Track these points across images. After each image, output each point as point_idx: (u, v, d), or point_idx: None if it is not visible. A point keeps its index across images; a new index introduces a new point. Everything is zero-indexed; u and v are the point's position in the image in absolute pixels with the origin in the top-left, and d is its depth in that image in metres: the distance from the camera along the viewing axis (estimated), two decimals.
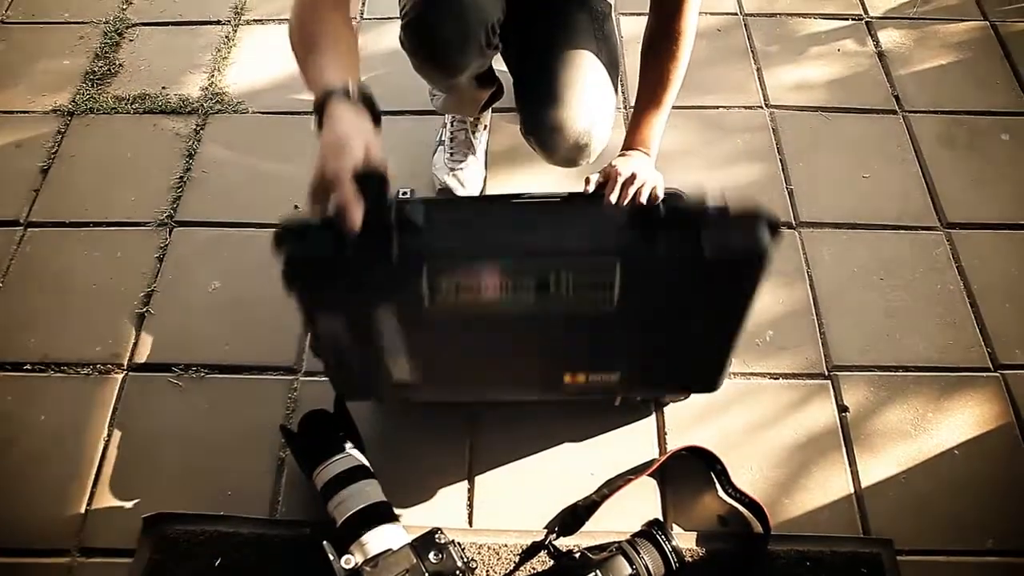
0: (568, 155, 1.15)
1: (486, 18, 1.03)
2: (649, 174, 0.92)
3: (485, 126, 1.48)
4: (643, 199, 0.89)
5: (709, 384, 1.10)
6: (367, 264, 0.84)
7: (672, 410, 1.20)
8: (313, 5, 0.91)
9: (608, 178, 0.93)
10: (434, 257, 0.86)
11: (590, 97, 1.11)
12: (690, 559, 1.05)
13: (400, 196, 0.89)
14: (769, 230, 0.84)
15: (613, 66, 1.18)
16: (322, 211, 0.81)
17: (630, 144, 1.05)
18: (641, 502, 1.11)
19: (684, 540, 1.07)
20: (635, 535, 1.03)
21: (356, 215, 0.78)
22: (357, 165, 0.78)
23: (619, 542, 1.01)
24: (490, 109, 1.46)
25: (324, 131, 0.81)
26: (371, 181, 0.79)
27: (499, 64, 1.28)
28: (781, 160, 1.50)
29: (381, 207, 0.82)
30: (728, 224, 0.84)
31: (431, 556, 0.93)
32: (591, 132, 1.11)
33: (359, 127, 0.82)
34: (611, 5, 1.23)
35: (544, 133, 1.11)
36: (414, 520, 1.10)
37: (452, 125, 1.44)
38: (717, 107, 1.57)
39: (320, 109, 0.82)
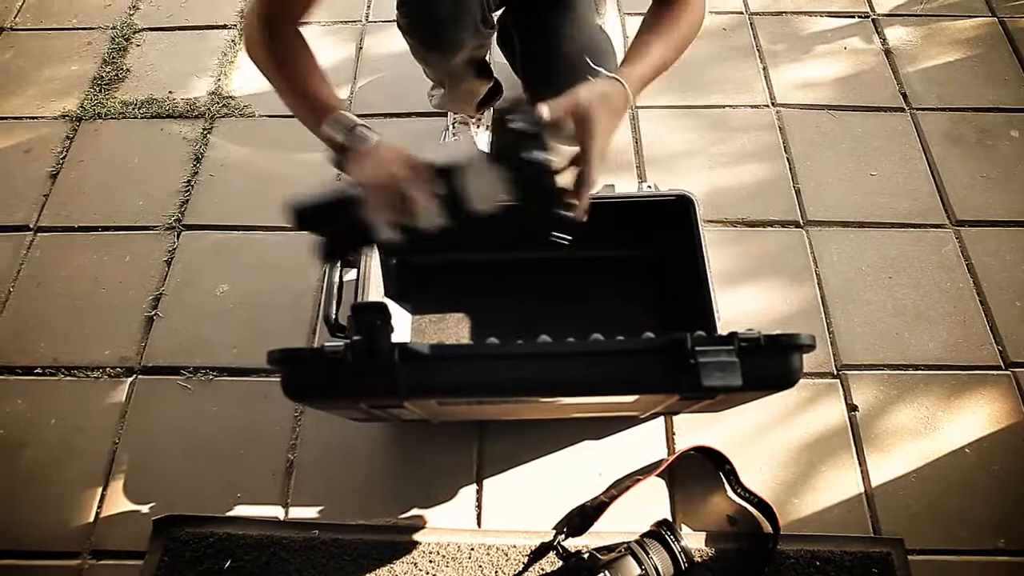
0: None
1: None
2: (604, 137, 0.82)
3: (486, 125, 1.48)
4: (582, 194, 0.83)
5: None
6: (368, 391, 0.81)
7: None
8: (269, 24, 0.88)
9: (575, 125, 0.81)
10: (440, 390, 0.82)
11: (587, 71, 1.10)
12: (699, 559, 1.05)
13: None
14: (803, 352, 0.80)
15: (609, 41, 1.18)
16: (390, 214, 0.80)
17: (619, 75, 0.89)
18: (650, 502, 1.11)
19: (693, 540, 1.06)
20: (644, 535, 1.03)
21: (432, 211, 0.80)
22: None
23: (628, 542, 1.01)
24: (490, 108, 1.47)
25: (378, 148, 0.83)
26: (371, 311, 0.78)
27: (499, 66, 1.28)
28: (788, 159, 1.49)
29: (382, 336, 0.78)
30: (762, 354, 0.78)
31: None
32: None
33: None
34: None
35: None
36: (423, 522, 1.11)
37: (454, 126, 1.44)
38: (723, 106, 1.57)
39: (347, 130, 0.84)
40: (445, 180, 0.80)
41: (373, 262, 1.14)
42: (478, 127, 1.46)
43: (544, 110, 0.79)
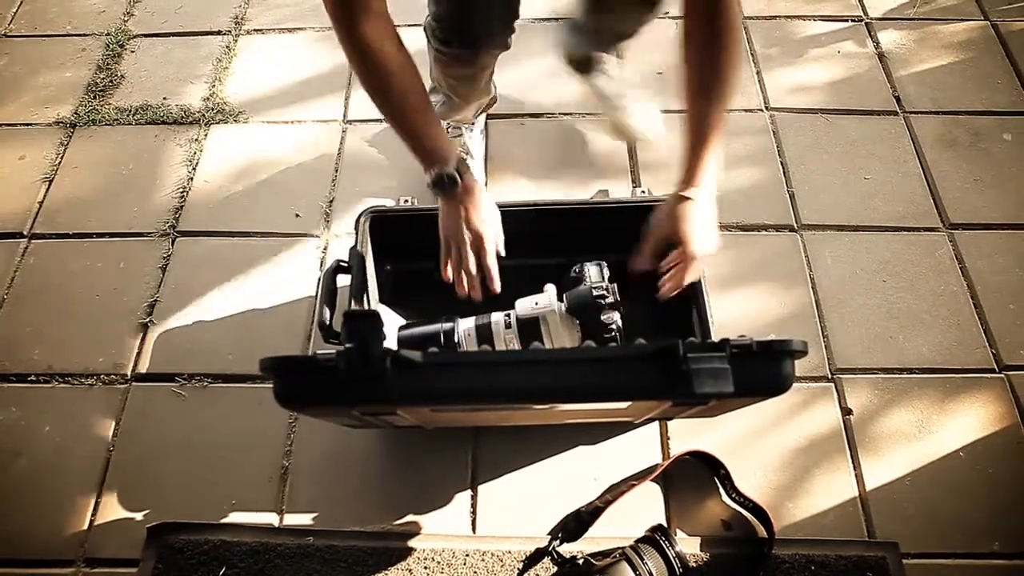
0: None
1: None
2: (712, 241, 0.97)
3: (481, 130, 1.49)
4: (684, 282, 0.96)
5: None
6: (360, 399, 0.82)
7: None
8: (352, 24, 0.88)
9: (672, 264, 0.98)
10: (432, 398, 0.82)
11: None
12: (694, 564, 1.05)
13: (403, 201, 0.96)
14: (795, 358, 0.80)
15: None
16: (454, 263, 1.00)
17: (689, 177, 0.95)
18: (645, 507, 1.11)
19: (688, 545, 1.07)
20: (639, 540, 1.03)
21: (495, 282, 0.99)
22: (491, 233, 0.99)
23: (623, 548, 1.01)
24: (484, 114, 1.47)
25: (481, 205, 0.99)
26: (363, 318, 0.79)
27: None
28: (782, 163, 1.49)
29: (374, 343, 0.79)
30: (754, 360, 0.78)
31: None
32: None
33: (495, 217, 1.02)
34: None
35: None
36: (418, 528, 1.10)
37: (449, 132, 1.44)
38: None
39: (452, 176, 0.95)
40: (527, 332, 1.02)
41: (368, 269, 1.14)
42: (471, 131, 1.46)
43: (638, 263, 0.98)
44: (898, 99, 1.59)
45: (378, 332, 0.77)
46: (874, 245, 1.38)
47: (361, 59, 0.89)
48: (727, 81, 0.90)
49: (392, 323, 1.16)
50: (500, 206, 1.05)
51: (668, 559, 0.99)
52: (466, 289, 1.00)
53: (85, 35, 1.77)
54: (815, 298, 1.32)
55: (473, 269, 0.99)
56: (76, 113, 1.61)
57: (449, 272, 1.01)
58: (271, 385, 0.79)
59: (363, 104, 1.61)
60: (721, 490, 1.12)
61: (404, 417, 0.92)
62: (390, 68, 0.89)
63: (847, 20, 1.74)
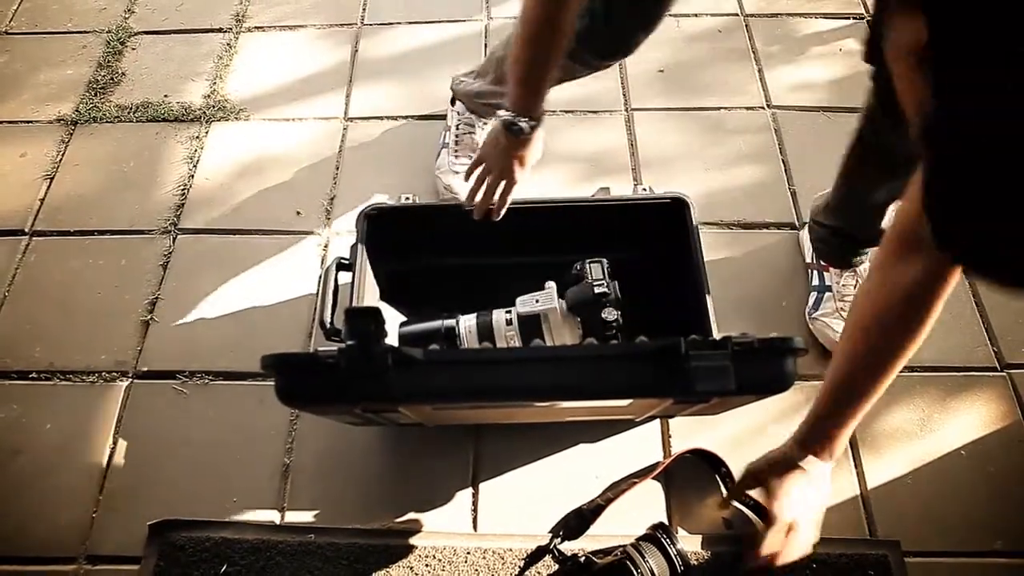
0: None
1: None
2: (810, 528, 0.89)
3: (491, 127, 1.47)
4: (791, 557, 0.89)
5: None
6: (362, 396, 0.82)
7: None
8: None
9: (766, 525, 0.90)
10: (433, 395, 0.82)
11: None
12: (695, 562, 1.05)
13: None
14: (797, 356, 0.80)
15: None
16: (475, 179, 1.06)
17: (813, 443, 0.88)
18: (646, 505, 1.11)
19: (689, 543, 1.06)
20: (640, 539, 1.02)
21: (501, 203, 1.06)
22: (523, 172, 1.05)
23: (624, 546, 1.01)
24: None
25: (530, 153, 1.03)
26: (365, 315, 0.79)
27: None
28: (783, 161, 1.49)
29: (376, 341, 0.79)
30: (756, 358, 0.78)
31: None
32: None
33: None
34: None
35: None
36: (419, 526, 1.10)
37: (458, 128, 1.43)
38: (718, 108, 1.57)
39: (522, 129, 0.97)
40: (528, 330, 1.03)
41: (368, 267, 1.15)
42: (484, 128, 1.45)
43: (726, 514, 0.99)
44: None
45: (380, 329, 0.78)
46: None
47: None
48: (907, 356, 0.80)
49: (393, 320, 1.16)
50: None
51: (669, 557, 0.99)
52: (477, 204, 1.07)
53: (86, 32, 1.76)
54: None
55: (494, 197, 1.05)
56: (77, 110, 1.61)
57: (470, 184, 1.08)
58: (272, 382, 0.79)
59: (364, 101, 1.61)
60: (722, 488, 1.12)
61: (406, 415, 0.92)
62: (564, 24, 0.89)
63: (849, 18, 1.74)
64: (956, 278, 0.73)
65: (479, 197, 1.07)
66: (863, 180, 1.11)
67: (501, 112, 0.99)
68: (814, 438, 0.88)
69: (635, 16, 1.04)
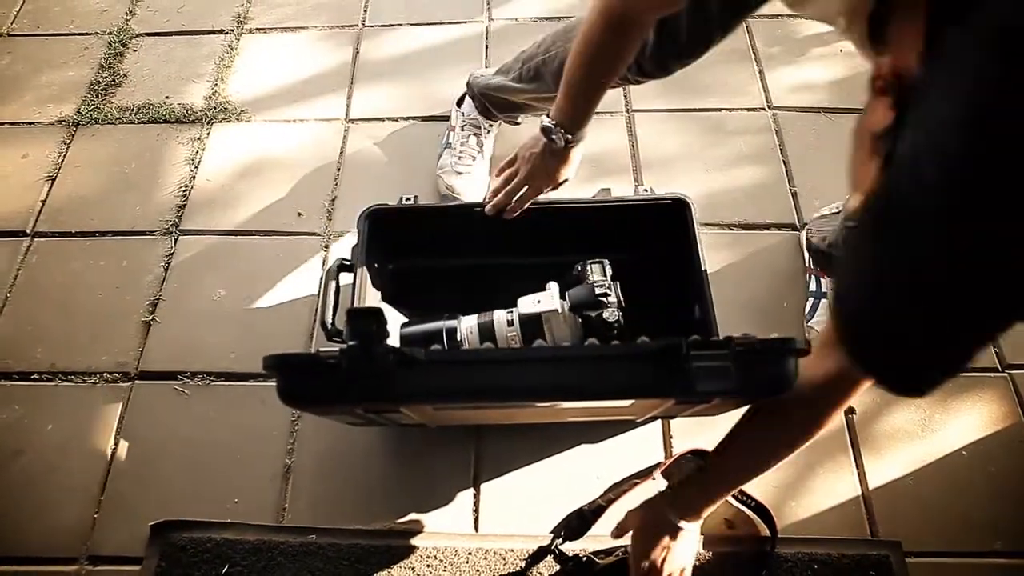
0: None
1: None
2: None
3: (497, 132, 1.47)
4: None
5: None
6: (364, 397, 0.81)
7: None
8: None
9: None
10: (435, 395, 0.82)
11: None
12: (697, 563, 1.05)
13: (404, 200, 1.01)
14: (798, 357, 0.79)
15: None
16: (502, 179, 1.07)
17: (691, 509, 0.94)
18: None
19: None
20: None
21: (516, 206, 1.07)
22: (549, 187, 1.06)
23: (625, 546, 1.01)
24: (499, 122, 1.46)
25: (570, 160, 1.03)
26: (367, 316, 0.78)
27: None
28: (784, 162, 1.49)
29: (377, 341, 0.78)
30: (757, 359, 0.78)
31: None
32: None
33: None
34: None
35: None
36: (420, 526, 1.11)
37: (462, 129, 1.43)
38: (719, 109, 1.57)
39: (559, 143, 0.99)
40: (529, 330, 1.04)
41: (369, 268, 1.15)
42: (491, 133, 1.44)
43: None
44: None
45: (381, 330, 0.77)
46: None
47: (612, 25, 0.88)
48: (781, 458, 0.89)
49: (394, 321, 1.16)
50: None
51: None
52: (496, 202, 1.08)
53: (87, 34, 1.77)
54: None
55: (514, 200, 1.07)
56: (79, 112, 1.61)
57: (494, 180, 1.10)
58: (274, 383, 0.79)
59: (365, 102, 1.61)
60: None
61: (407, 415, 0.92)
62: (626, 55, 0.93)
63: None
64: (862, 389, 0.75)
65: (501, 196, 1.07)
66: None
67: (544, 118, 1.00)
68: (694, 503, 0.93)
69: (682, 53, 1.10)
